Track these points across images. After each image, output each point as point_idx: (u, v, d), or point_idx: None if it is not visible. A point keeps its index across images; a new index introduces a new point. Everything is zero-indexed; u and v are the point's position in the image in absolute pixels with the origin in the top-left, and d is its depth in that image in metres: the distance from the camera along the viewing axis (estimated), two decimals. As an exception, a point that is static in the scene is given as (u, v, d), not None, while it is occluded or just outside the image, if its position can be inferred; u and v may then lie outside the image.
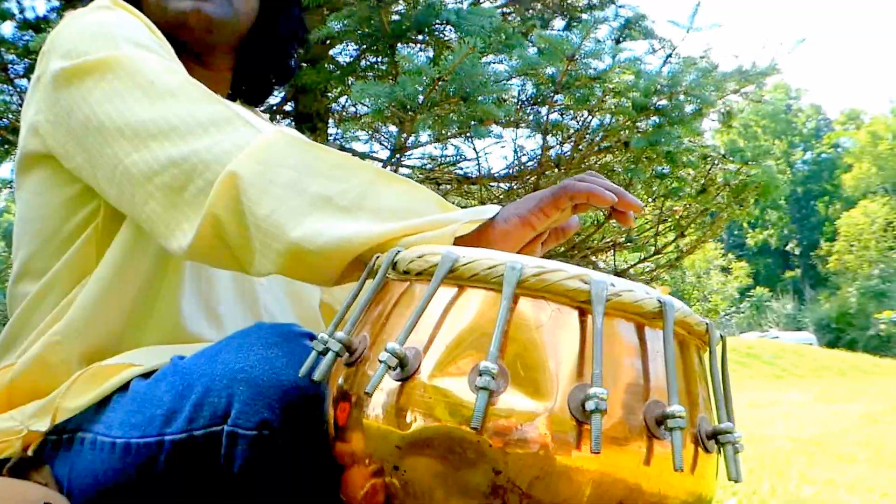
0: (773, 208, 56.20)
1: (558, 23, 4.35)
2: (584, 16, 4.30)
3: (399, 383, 0.81)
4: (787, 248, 57.05)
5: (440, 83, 2.35)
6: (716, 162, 3.36)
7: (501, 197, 3.22)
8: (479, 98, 2.42)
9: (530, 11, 4.23)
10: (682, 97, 2.79)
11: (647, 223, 3.45)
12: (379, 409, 0.82)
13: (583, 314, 0.80)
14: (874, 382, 18.07)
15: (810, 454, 6.29)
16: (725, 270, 35.91)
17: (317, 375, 0.86)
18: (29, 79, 3.11)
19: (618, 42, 3.71)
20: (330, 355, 0.86)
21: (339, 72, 3.06)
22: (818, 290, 49.75)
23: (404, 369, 0.80)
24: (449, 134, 2.71)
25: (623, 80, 2.59)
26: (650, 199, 3.27)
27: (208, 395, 0.98)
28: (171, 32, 1.34)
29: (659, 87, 2.73)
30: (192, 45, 1.38)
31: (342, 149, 3.53)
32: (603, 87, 2.65)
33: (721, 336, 0.91)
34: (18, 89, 3.27)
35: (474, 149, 2.93)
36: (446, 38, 2.81)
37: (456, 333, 0.81)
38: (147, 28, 1.26)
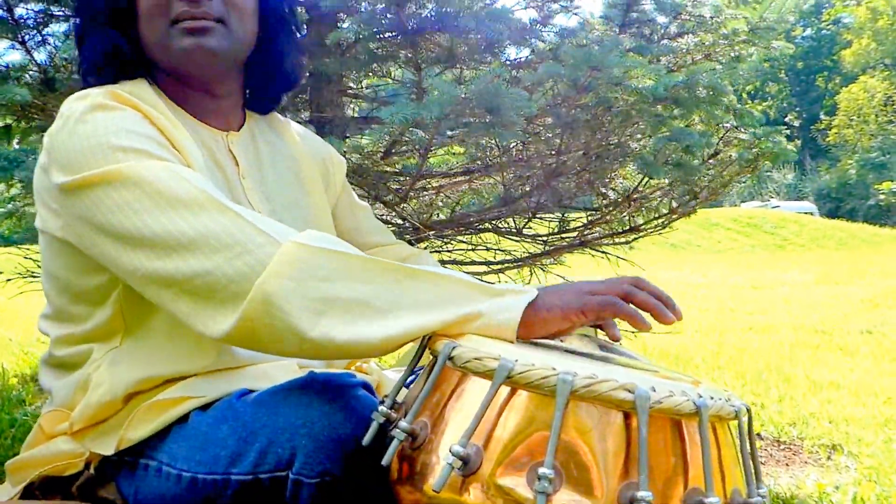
0: (773, 81, 55.09)
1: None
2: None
3: (462, 477, 0.88)
4: (786, 119, 56.10)
5: (466, 100, 2.31)
6: (727, 130, 3.30)
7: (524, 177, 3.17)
8: (504, 110, 2.37)
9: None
10: (700, 92, 2.72)
11: (659, 195, 3.41)
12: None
13: (627, 416, 0.87)
14: (873, 259, 18.07)
15: (814, 348, 6.34)
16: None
17: (384, 461, 0.94)
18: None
19: (629, 6, 3.58)
20: (395, 443, 0.94)
21: (359, 60, 2.97)
22: (818, 160, 49.18)
23: (467, 465, 0.87)
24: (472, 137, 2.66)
25: (644, 86, 2.52)
26: (669, 185, 3.22)
27: (272, 445, 1.04)
28: (177, 69, 1.34)
29: (676, 84, 2.65)
30: (198, 78, 1.37)
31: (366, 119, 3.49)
32: (623, 89, 2.58)
33: (748, 412, 0.98)
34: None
35: (498, 146, 2.87)
36: (467, 37, 2.72)
37: (513, 432, 0.87)
38: (144, 117, 1.24)
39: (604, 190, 3.60)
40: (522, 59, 3.14)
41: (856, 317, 8.51)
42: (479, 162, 3.20)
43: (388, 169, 3.08)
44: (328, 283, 1.02)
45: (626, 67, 2.47)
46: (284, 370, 1.31)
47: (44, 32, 2.71)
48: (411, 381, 1.11)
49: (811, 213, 35.19)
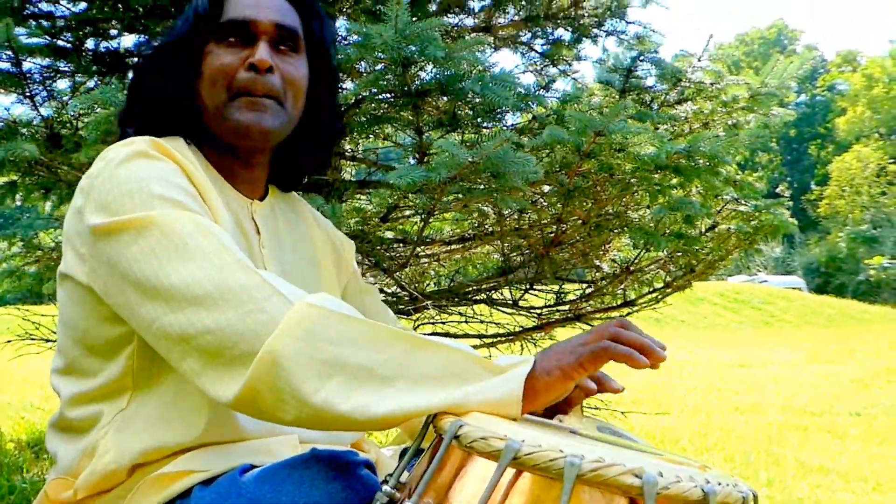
0: (763, 150, 56.16)
1: (566, 35, 4.45)
2: (594, 30, 4.41)
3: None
4: (778, 190, 57.11)
5: (472, 164, 2.47)
6: (727, 202, 3.49)
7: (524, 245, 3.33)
8: (509, 175, 2.53)
9: (539, 31, 4.33)
10: (700, 161, 2.90)
11: (654, 268, 3.59)
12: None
13: (633, 501, 0.91)
14: (862, 337, 18.32)
15: (803, 430, 6.50)
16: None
17: None
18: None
19: (629, 72, 3.82)
20: (401, 526, 0.99)
21: (361, 122, 3.14)
22: (808, 233, 49.95)
23: (473, 547, 0.92)
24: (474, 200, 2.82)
25: (646, 153, 2.70)
26: (665, 252, 3.40)
27: None
28: (226, 137, 1.44)
29: (677, 152, 2.84)
30: (243, 150, 1.48)
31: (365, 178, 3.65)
32: (625, 155, 2.76)
33: (755, 498, 1.01)
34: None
35: (499, 213, 3.04)
36: (470, 101, 2.90)
37: None
38: (182, 171, 1.33)
39: (598, 262, 3.77)
40: (523, 125, 3.32)
41: (845, 398, 8.71)
42: (477, 230, 3.34)
43: (387, 235, 3.22)
44: (336, 347, 1.08)
45: (630, 134, 2.64)
46: (287, 445, 1.35)
47: (50, 87, 2.83)
48: (414, 460, 1.13)
49: (799, 289, 35.63)
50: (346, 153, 3.70)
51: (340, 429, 1.10)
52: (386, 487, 1.04)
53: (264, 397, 1.09)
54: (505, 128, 3.08)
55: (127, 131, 1.46)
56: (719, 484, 0.92)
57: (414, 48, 2.61)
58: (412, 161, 3.12)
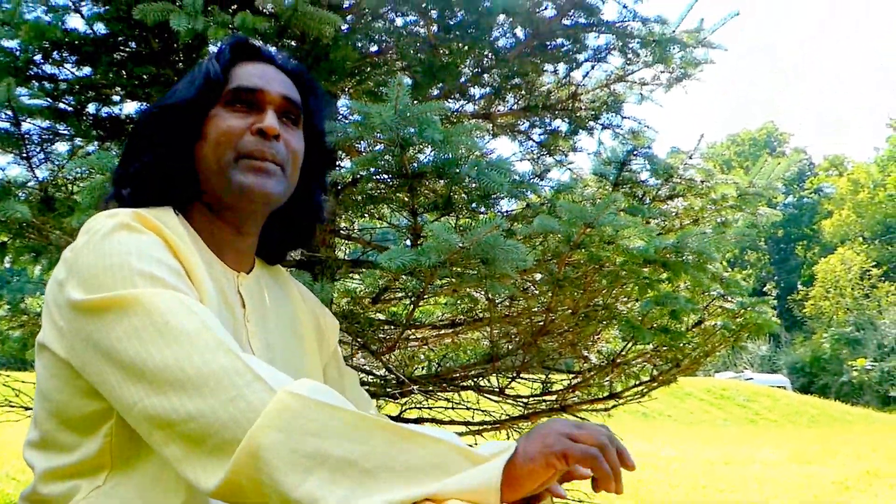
0: (752, 249, 56.54)
1: (563, 127, 4.50)
2: (590, 123, 4.45)
3: None
4: (765, 289, 57.32)
5: (463, 249, 2.45)
6: (714, 298, 3.48)
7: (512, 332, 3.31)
8: (499, 262, 2.51)
9: (537, 121, 4.37)
10: (688, 257, 2.90)
11: (641, 361, 3.56)
12: None
13: None
14: (844, 438, 18.23)
15: (785, 535, 6.41)
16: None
17: None
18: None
19: (623, 166, 3.84)
20: None
21: (356, 201, 3.14)
22: (794, 333, 50.02)
23: None
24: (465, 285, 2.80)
25: (635, 247, 2.69)
26: (651, 346, 3.38)
27: None
28: (226, 200, 1.42)
29: (666, 247, 2.83)
30: (240, 213, 1.46)
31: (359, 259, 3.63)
32: (615, 248, 2.75)
33: None
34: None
35: (489, 299, 3.01)
36: (465, 183, 2.90)
37: None
38: (166, 245, 1.31)
39: (586, 353, 3.74)
40: (517, 212, 3.32)
41: (827, 499, 8.61)
42: (467, 315, 3.32)
43: (377, 316, 3.19)
44: (318, 439, 1.05)
45: (620, 227, 2.64)
46: None
47: (48, 150, 2.82)
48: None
49: (784, 387, 35.46)
50: (341, 231, 3.68)
51: None
52: None
53: (245, 490, 1.07)
54: (498, 214, 3.08)
55: (121, 192, 1.45)
56: None
57: (412, 130, 2.62)
58: (407, 242, 3.10)
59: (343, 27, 3.23)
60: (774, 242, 59.23)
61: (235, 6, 3.29)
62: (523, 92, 4.19)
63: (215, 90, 1.44)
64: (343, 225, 3.81)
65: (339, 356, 1.78)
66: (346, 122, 2.85)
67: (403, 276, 2.63)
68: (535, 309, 3.07)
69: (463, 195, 2.98)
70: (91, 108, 3.39)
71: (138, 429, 1.17)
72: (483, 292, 3.02)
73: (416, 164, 2.85)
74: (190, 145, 1.43)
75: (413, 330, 3.56)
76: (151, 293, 1.19)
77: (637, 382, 3.65)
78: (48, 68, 3.26)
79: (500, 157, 2.91)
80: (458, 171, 2.76)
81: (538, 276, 3.11)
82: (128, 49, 3.42)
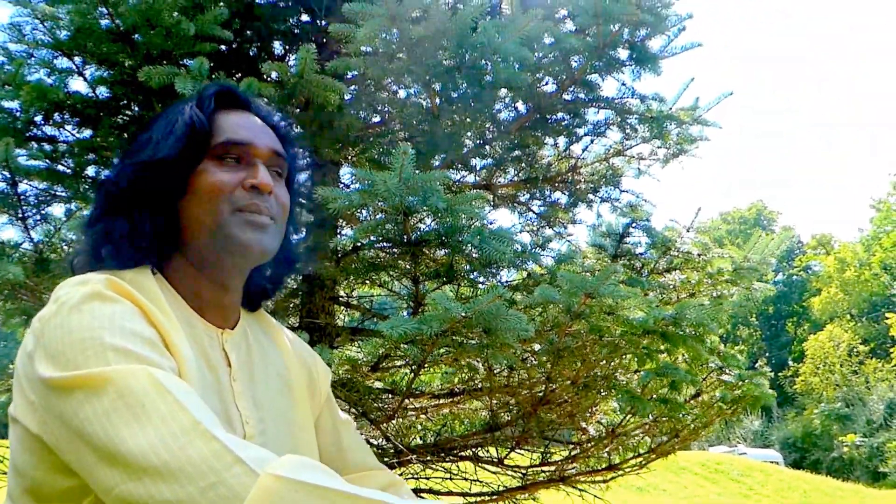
0: (744, 325, 56.44)
1: (563, 199, 4.50)
2: (589, 196, 4.44)
3: None
4: (757, 364, 57.03)
5: (465, 319, 2.40)
6: (711, 370, 3.43)
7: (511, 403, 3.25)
8: (500, 332, 2.46)
9: (537, 193, 4.36)
10: (686, 328, 2.86)
11: (640, 433, 3.49)
12: None
13: None
14: (837, 515, 17.98)
15: None
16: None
17: None
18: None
19: (621, 238, 3.82)
20: None
21: (357, 268, 3.10)
22: (785, 409, 49.63)
23: None
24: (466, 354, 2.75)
25: (635, 317, 2.65)
26: (650, 417, 3.31)
27: None
28: (218, 254, 1.36)
29: (665, 318, 2.79)
30: (228, 269, 1.39)
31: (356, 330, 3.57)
32: (615, 318, 2.71)
33: None
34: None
35: (489, 368, 2.96)
36: (467, 252, 2.87)
37: None
38: (141, 312, 1.24)
39: (584, 425, 3.66)
40: (517, 281, 3.29)
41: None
42: (466, 384, 3.26)
43: (376, 385, 3.13)
44: None
45: (620, 297, 2.60)
46: None
47: (44, 211, 2.78)
48: None
49: (776, 462, 35.09)
50: (341, 298, 3.64)
51: None
52: None
53: None
54: (499, 283, 3.04)
55: (98, 251, 1.35)
56: None
57: (416, 198, 2.59)
58: (405, 313, 3.06)
59: (347, 96, 3.23)
60: (765, 319, 59.15)
61: (240, 73, 3.30)
62: (524, 164, 4.19)
63: (202, 143, 1.37)
64: (342, 292, 3.76)
65: (332, 403, 1.70)
66: (350, 189, 2.83)
67: (404, 345, 2.56)
68: (535, 379, 3.00)
69: (465, 264, 2.95)
70: (90, 170, 3.36)
71: None
72: (482, 361, 2.95)
73: (418, 232, 2.82)
74: (174, 201, 1.36)
75: (412, 399, 3.50)
76: (124, 371, 1.11)
77: (635, 454, 3.57)
78: (48, 129, 3.24)
79: (501, 228, 2.90)
80: (460, 239, 2.74)
81: (537, 347, 3.06)
82: (130, 113, 3.41)
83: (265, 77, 3.08)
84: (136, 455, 1.04)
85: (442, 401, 3.61)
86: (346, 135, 3.20)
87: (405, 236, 2.79)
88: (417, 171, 2.60)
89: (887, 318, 33.28)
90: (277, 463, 1.03)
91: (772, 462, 34.15)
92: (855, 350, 47.31)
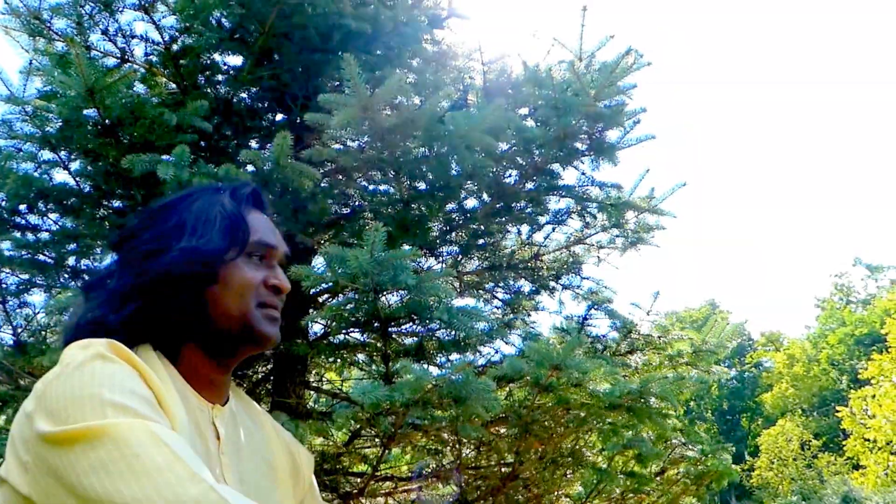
0: (700, 420, 56.34)
1: (526, 286, 4.51)
2: (551, 283, 4.46)
3: None
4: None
5: (436, 387, 2.38)
6: (675, 447, 3.40)
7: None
8: (472, 401, 2.43)
9: (501, 281, 4.38)
10: (651, 402, 2.84)
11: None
12: None
13: None
14: None
15: None
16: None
17: None
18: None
19: (584, 321, 3.83)
20: None
21: (329, 346, 3.07)
22: (744, 503, 49.24)
23: None
24: (438, 427, 2.70)
25: (602, 389, 2.64)
26: (618, 492, 3.26)
27: None
28: (242, 344, 1.40)
29: (630, 391, 2.78)
30: (240, 356, 1.43)
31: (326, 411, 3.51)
32: (580, 391, 2.69)
33: None
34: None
35: (458, 444, 2.91)
36: (437, 329, 2.85)
37: None
38: (139, 374, 1.23)
39: (552, 506, 3.59)
40: (486, 360, 3.26)
41: None
42: (433, 466, 3.21)
43: (345, 463, 3.06)
44: None
45: (586, 369, 2.59)
46: None
47: (23, 299, 2.75)
48: None
49: (739, 560, 34.61)
50: (312, 383, 3.58)
51: None
52: None
53: None
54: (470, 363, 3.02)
55: (107, 315, 1.35)
56: None
57: (386, 274, 2.59)
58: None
59: (322, 183, 3.25)
60: (720, 414, 59.01)
61: (219, 163, 3.32)
62: (488, 253, 4.21)
63: (242, 241, 1.42)
64: (313, 378, 3.71)
65: (315, 491, 1.68)
66: (321, 271, 2.81)
67: (376, 415, 2.51)
68: (503, 459, 2.95)
69: (434, 343, 2.93)
70: (71, 260, 3.34)
71: None
72: (451, 443, 2.90)
73: (388, 309, 2.81)
74: (203, 289, 1.39)
75: (379, 483, 3.42)
76: (121, 424, 1.10)
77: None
78: (32, 219, 3.22)
79: (469, 306, 2.89)
80: (430, 315, 2.72)
81: (503, 431, 3.03)
82: (111, 206, 3.40)
83: (242, 166, 3.10)
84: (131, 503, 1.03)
85: (410, 484, 3.53)
86: (319, 220, 3.20)
87: (376, 313, 2.77)
88: (388, 251, 2.60)
89: (838, 412, 33.34)
90: None
91: (734, 560, 33.62)
92: (808, 444, 47.36)
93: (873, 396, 29.43)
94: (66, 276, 3.28)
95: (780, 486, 45.12)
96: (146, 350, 1.35)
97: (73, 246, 3.33)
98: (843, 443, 33.40)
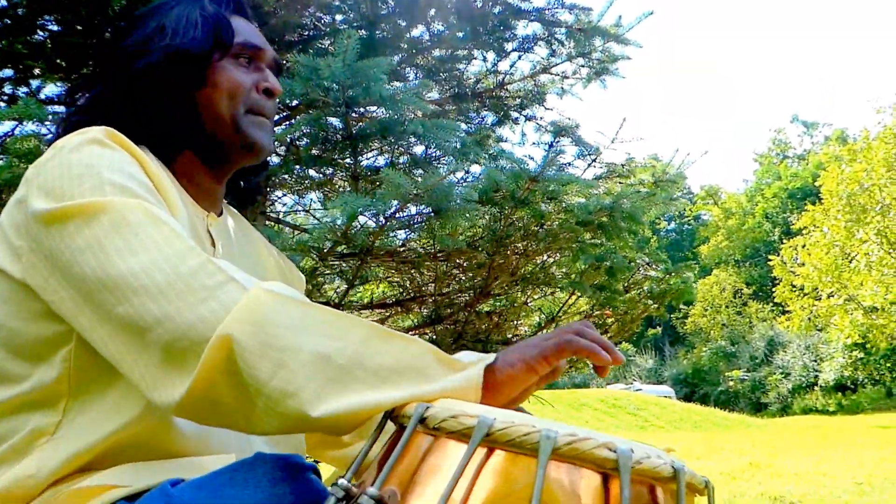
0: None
1: (490, 117, 4.43)
2: (515, 114, 4.38)
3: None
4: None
5: (416, 196, 2.31)
6: (640, 269, 3.42)
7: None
8: (451, 212, 2.38)
9: (466, 106, 4.27)
10: (621, 221, 2.82)
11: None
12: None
13: (606, 479, 0.79)
14: (726, 438, 18.74)
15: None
16: (596, 327, 36.88)
17: None
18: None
19: (551, 147, 3.76)
20: (361, 512, 0.83)
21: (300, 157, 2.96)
22: (677, 347, 51.30)
23: (444, 534, 0.76)
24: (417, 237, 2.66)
25: (574, 203, 2.60)
26: (590, 309, 3.30)
27: None
28: (231, 150, 1.35)
29: (602, 207, 2.75)
30: (232, 164, 1.38)
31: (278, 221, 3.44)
32: (555, 205, 2.65)
33: (712, 486, 0.90)
34: None
35: (435, 255, 2.87)
36: (411, 145, 2.77)
37: (490, 495, 0.78)
38: (138, 165, 1.17)
39: (509, 335, 3.62)
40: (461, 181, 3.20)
41: (718, 488, 8.79)
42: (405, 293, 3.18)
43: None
44: (292, 333, 0.93)
45: (565, 180, 2.54)
46: (222, 464, 1.09)
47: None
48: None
49: (669, 397, 36.29)
50: (271, 214, 3.49)
51: (293, 427, 0.94)
52: (342, 480, 0.86)
53: (219, 390, 0.94)
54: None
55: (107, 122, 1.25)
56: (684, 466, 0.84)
57: (359, 89, 2.46)
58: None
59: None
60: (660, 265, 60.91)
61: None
62: (454, 82, 4.08)
63: (225, 40, 1.35)
64: (273, 207, 3.63)
65: None
66: (292, 80, 2.67)
67: (354, 227, 2.44)
68: (478, 269, 2.93)
69: (406, 157, 2.85)
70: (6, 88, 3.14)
71: (101, 347, 1.02)
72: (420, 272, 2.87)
73: (360, 126, 2.70)
74: (192, 92, 1.33)
75: (357, 312, 3.40)
76: (119, 201, 1.05)
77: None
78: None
79: (449, 122, 2.78)
80: (403, 129, 2.62)
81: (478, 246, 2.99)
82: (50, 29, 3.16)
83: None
84: (127, 278, 0.99)
85: (378, 311, 3.52)
86: (282, 34, 3.03)
87: (348, 129, 2.66)
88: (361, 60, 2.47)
89: (769, 261, 34.43)
90: (268, 283, 0.99)
91: (665, 396, 35.33)
92: (739, 293, 49.17)
93: (803, 246, 30.48)
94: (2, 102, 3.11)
95: (712, 332, 47.17)
96: (143, 150, 1.26)
97: (8, 71, 3.14)
98: (773, 289, 34.79)
